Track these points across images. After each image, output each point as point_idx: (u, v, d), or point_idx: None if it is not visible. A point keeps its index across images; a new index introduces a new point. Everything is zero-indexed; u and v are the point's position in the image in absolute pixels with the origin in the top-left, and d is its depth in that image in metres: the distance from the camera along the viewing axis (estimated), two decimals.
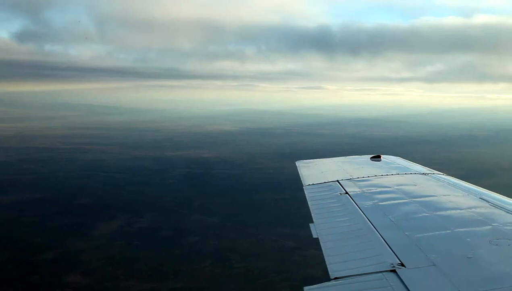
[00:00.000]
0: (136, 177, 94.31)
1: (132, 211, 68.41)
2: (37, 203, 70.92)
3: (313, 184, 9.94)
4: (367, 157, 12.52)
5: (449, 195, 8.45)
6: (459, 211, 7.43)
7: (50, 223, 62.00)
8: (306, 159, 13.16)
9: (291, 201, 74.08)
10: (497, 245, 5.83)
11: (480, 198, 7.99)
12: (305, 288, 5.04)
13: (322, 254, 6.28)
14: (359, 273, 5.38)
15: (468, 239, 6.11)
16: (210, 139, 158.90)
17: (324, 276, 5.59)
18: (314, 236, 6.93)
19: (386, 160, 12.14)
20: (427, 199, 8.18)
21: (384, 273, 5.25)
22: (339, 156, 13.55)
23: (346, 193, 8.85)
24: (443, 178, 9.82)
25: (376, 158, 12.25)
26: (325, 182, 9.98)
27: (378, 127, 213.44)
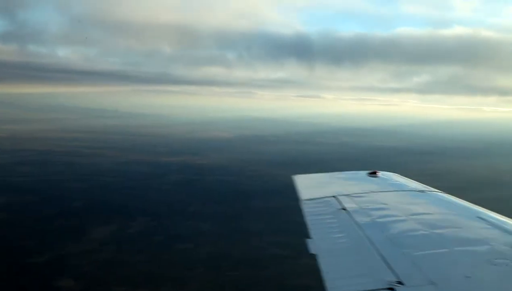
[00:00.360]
0: (131, 181, 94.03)
1: (125, 215, 68.15)
2: (30, 206, 70.62)
3: (310, 199, 9.76)
4: (364, 173, 12.29)
5: (446, 213, 8.39)
6: (456, 229, 7.35)
7: (43, 226, 61.70)
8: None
9: (284, 209, 73.73)
10: (495, 265, 5.76)
11: (477, 216, 7.91)
12: None
13: (315, 263, 6.31)
14: (357, 290, 5.34)
15: (466, 258, 6.06)
16: (207, 146, 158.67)
17: (318, 286, 5.63)
18: (311, 252, 6.79)
19: (383, 177, 11.96)
20: (424, 216, 8.07)
21: (381, 290, 5.21)
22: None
23: (344, 208, 8.73)
24: (441, 196, 9.74)
25: (373, 174, 12.04)
26: (322, 197, 9.81)
27: (374, 137, 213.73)
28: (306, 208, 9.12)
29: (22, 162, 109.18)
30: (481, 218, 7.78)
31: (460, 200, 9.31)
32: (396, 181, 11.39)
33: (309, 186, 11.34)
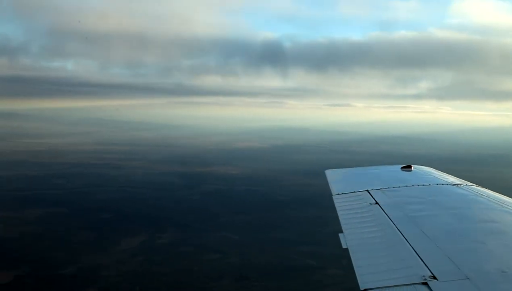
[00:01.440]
0: (162, 192, 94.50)
1: (155, 226, 68.25)
2: (62, 217, 71.63)
3: (342, 194, 9.68)
4: (398, 167, 12.10)
5: (482, 207, 8.21)
6: (493, 223, 7.23)
7: (73, 237, 62.32)
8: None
9: (314, 219, 72.92)
10: None
11: None
12: None
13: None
14: (390, 285, 5.21)
15: (502, 253, 5.91)
16: (238, 156, 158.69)
17: None
18: (344, 246, 6.72)
19: (417, 170, 11.81)
20: (459, 210, 7.96)
21: (415, 285, 5.09)
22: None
23: (377, 203, 8.61)
24: (477, 190, 9.49)
25: (407, 167, 11.86)
26: (354, 192, 9.69)
27: (410, 145, 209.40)
28: (338, 203, 9.07)
29: (57, 174, 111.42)
30: None
31: (497, 194, 9.10)
32: (430, 175, 11.24)
33: (341, 180, 11.35)
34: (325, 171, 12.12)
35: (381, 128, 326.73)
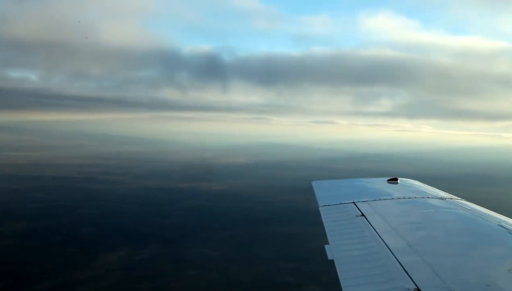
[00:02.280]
0: (145, 207, 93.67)
1: (136, 241, 67.59)
2: (40, 232, 70.59)
3: (329, 205, 9.80)
4: (384, 179, 12.35)
5: (467, 220, 8.33)
6: (477, 237, 7.37)
7: (50, 252, 61.45)
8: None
9: (296, 235, 72.89)
10: None
11: (498, 224, 7.83)
12: None
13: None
14: None
15: (486, 266, 5.99)
16: (224, 172, 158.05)
17: None
18: (330, 258, 6.80)
19: (404, 183, 12.02)
20: (444, 223, 8.12)
21: None
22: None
23: (363, 214, 8.72)
24: (462, 203, 9.66)
25: (393, 180, 12.09)
26: (341, 203, 9.85)
27: (392, 163, 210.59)
28: (325, 214, 9.14)
29: (39, 188, 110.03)
30: (503, 226, 7.68)
31: (482, 207, 9.26)
32: (416, 188, 11.42)
33: (327, 191, 11.43)
34: (312, 182, 12.25)
35: (364, 146, 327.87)
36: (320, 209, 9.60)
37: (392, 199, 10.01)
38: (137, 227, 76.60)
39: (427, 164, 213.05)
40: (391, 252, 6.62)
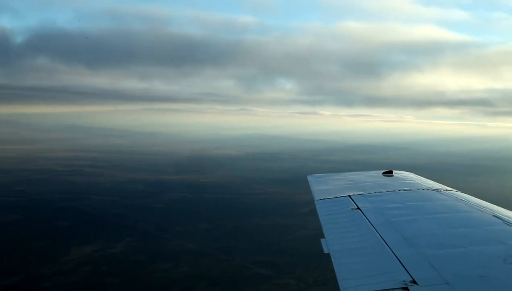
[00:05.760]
0: (126, 200, 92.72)
1: (111, 235, 66.58)
2: (15, 225, 69.48)
3: (324, 199, 9.86)
4: (379, 172, 12.46)
5: (462, 212, 8.34)
6: (472, 228, 7.31)
7: (22, 246, 60.33)
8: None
9: (276, 227, 72.12)
10: (511, 264, 5.66)
11: (493, 215, 7.85)
12: None
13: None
14: (371, 289, 5.25)
15: (481, 258, 5.96)
16: (212, 164, 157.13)
17: None
18: (325, 251, 6.76)
19: (399, 176, 12.08)
20: (439, 215, 8.10)
21: (396, 290, 5.16)
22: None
23: (358, 208, 8.76)
24: (456, 195, 9.67)
25: (389, 173, 12.20)
26: (336, 197, 9.91)
27: (381, 154, 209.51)
28: (320, 208, 9.16)
29: (20, 181, 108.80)
30: (498, 217, 7.69)
31: (477, 199, 9.26)
32: (412, 180, 11.45)
33: (323, 185, 11.47)
34: (307, 176, 12.35)
35: (352, 137, 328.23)
36: (315, 202, 9.65)
37: (388, 191, 10.11)
38: (114, 220, 75.61)
39: (413, 154, 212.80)
40: (387, 244, 6.65)
